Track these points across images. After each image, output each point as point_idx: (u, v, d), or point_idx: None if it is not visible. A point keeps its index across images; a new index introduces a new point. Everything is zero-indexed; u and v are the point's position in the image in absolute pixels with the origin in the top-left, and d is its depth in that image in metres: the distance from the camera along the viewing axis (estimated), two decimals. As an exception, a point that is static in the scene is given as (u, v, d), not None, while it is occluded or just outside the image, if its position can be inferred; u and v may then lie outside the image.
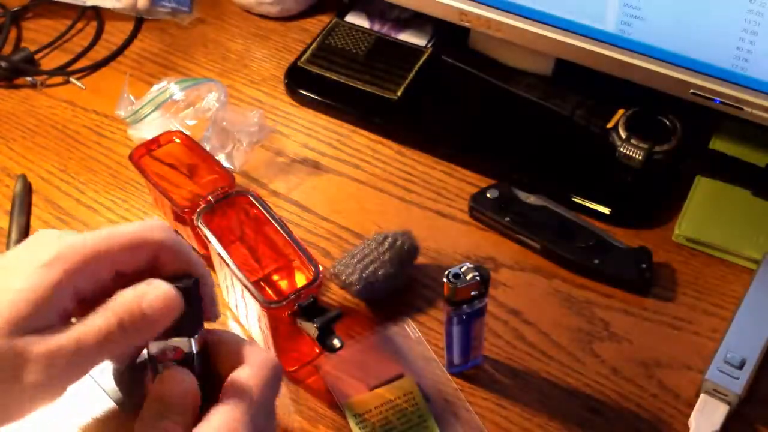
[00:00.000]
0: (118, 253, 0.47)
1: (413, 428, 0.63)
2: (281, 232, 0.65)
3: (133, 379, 0.57)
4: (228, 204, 0.67)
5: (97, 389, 0.68)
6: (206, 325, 0.49)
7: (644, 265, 0.70)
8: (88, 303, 0.46)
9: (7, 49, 0.95)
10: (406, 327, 0.70)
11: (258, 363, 0.47)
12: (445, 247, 0.75)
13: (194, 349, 0.48)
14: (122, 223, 0.79)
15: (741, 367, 0.63)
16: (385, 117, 0.84)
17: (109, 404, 0.67)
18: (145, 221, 0.50)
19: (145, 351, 0.51)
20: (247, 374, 0.47)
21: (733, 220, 0.74)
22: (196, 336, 0.48)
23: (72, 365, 0.44)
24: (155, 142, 0.73)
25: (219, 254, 0.63)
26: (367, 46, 0.90)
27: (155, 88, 0.81)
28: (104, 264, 0.46)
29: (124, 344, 0.46)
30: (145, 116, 0.80)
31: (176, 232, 0.53)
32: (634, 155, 0.77)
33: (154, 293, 0.45)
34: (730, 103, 0.73)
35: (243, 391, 0.46)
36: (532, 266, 0.73)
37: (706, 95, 0.73)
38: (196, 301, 0.48)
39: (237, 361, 0.48)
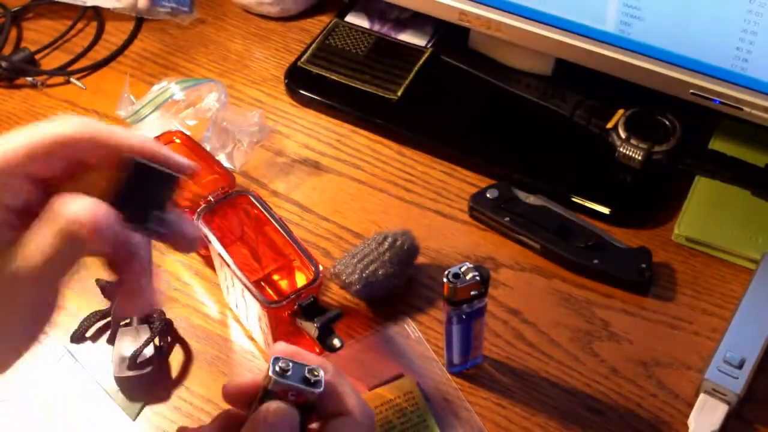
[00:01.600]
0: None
1: (413, 428, 0.63)
2: (281, 232, 0.65)
3: (134, 382, 0.57)
4: (228, 204, 0.68)
5: (99, 391, 0.68)
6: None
7: (644, 265, 0.70)
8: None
9: (8, 49, 0.95)
10: (406, 327, 0.70)
11: (360, 414, 0.47)
12: (445, 247, 0.75)
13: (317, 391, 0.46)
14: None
15: (740, 366, 0.63)
16: (385, 117, 0.84)
17: (112, 406, 0.67)
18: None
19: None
20: (350, 426, 0.47)
21: (733, 220, 0.74)
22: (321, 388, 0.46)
23: None
24: (155, 142, 0.74)
25: (219, 254, 0.63)
26: (367, 46, 0.90)
27: (155, 88, 0.81)
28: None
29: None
30: (146, 116, 0.80)
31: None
32: (633, 155, 0.77)
33: None
34: (730, 103, 0.73)
35: None
36: (532, 266, 0.74)
37: (706, 95, 0.73)
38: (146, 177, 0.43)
39: (338, 404, 0.47)
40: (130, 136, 0.44)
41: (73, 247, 0.40)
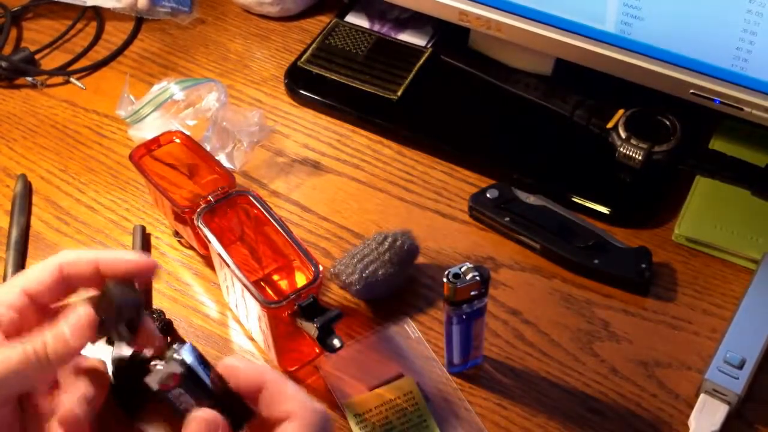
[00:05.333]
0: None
1: (413, 428, 0.63)
2: (281, 232, 0.65)
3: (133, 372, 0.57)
4: (228, 204, 0.68)
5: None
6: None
7: (644, 265, 0.70)
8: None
9: (8, 49, 0.95)
10: (406, 327, 0.70)
11: (305, 415, 0.45)
12: (445, 247, 0.75)
13: (188, 360, 0.46)
14: (122, 222, 0.79)
15: (741, 366, 0.63)
16: (385, 117, 0.84)
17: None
18: None
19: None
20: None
21: (733, 220, 0.74)
22: (178, 353, 0.47)
23: None
24: (155, 142, 0.74)
25: (219, 254, 0.63)
26: (367, 46, 0.90)
27: (155, 88, 0.81)
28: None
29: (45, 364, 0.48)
30: (146, 116, 0.80)
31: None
32: (633, 155, 0.77)
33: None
34: (730, 103, 0.73)
35: None
36: (532, 266, 0.74)
37: (706, 95, 0.73)
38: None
39: (280, 408, 0.46)
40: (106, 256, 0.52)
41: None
